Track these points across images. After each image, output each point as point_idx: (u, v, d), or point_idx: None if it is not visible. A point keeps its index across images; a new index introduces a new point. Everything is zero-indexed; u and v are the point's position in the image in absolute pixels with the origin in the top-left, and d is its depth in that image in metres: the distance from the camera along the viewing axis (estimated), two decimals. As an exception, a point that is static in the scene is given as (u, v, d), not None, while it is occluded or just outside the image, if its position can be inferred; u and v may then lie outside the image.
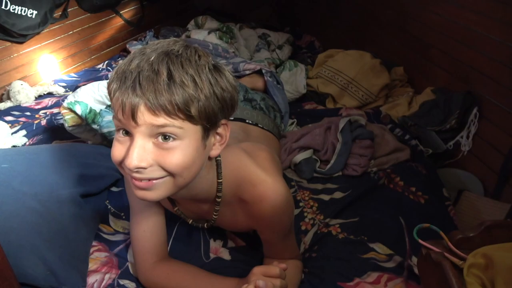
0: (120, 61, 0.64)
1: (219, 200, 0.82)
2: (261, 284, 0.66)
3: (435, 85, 1.67)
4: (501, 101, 1.33)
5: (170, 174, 0.64)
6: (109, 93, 0.63)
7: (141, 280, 0.93)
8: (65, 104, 1.30)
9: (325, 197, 1.19)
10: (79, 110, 1.28)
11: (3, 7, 1.73)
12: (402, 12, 1.91)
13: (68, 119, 1.30)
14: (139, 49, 0.64)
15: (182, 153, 0.63)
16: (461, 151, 1.44)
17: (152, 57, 0.60)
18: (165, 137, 0.61)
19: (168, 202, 0.90)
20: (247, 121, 1.23)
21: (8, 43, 1.87)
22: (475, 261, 0.60)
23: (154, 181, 0.64)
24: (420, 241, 0.68)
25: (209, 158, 0.73)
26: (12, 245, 0.81)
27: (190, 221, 0.94)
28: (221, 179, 0.79)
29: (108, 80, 0.65)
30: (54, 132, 1.54)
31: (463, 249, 0.66)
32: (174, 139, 0.62)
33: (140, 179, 0.64)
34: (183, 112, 0.60)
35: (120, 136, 0.64)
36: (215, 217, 0.87)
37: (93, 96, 1.32)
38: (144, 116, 0.59)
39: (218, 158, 0.78)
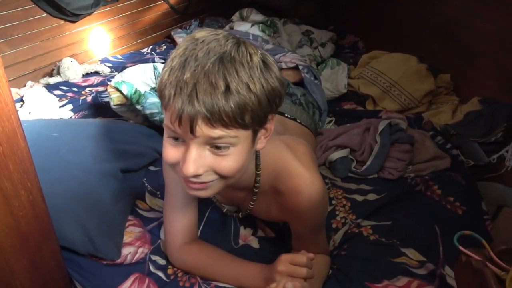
0: (172, 59, 0.62)
1: (256, 190, 0.83)
2: (290, 286, 0.68)
3: (482, 95, 1.61)
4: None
5: (222, 177, 0.67)
6: (162, 98, 0.62)
7: (170, 259, 0.95)
8: (112, 83, 1.34)
9: (359, 198, 1.18)
10: (125, 90, 1.32)
11: (60, -14, 1.81)
12: (452, 18, 1.84)
13: (113, 98, 1.35)
14: (189, 48, 0.62)
15: (235, 158, 0.65)
16: (504, 165, 1.38)
17: (207, 66, 0.59)
18: (220, 146, 0.63)
19: None
20: (286, 115, 1.23)
21: (62, 21, 1.95)
22: (518, 273, 0.58)
23: (208, 183, 0.67)
24: (461, 247, 0.67)
25: None
26: (55, 209, 0.85)
27: (225, 210, 0.96)
28: (260, 171, 0.80)
29: (158, 81, 0.64)
30: (98, 109, 1.60)
31: (505, 261, 0.64)
32: (228, 147, 0.63)
33: (195, 182, 0.67)
34: (238, 122, 0.60)
35: (171, 141, 0.65)
36: (251, 206, 0.88)
37: (139, 78, 1.36)
38: (202, 129, 0.60)
39: None
